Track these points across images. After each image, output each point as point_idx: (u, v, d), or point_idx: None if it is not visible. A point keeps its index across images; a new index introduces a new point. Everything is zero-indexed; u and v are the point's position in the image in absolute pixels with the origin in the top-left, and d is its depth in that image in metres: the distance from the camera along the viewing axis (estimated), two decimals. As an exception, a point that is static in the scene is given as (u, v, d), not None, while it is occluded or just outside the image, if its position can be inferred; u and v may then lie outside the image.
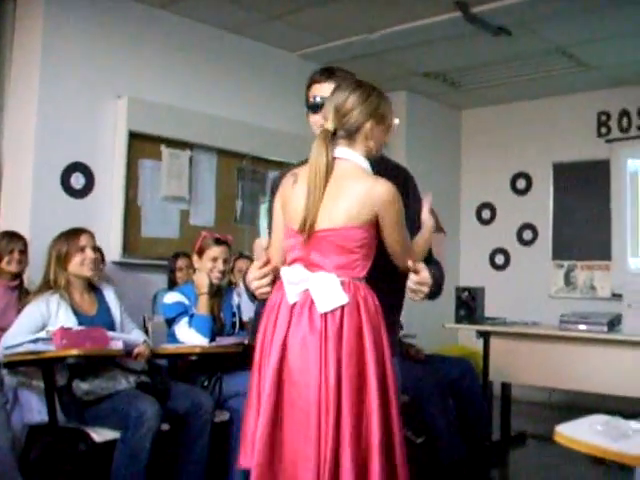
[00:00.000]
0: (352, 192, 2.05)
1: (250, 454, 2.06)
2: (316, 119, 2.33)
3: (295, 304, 2.06)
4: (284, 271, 2.12)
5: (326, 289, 2.03)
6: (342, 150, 2.11)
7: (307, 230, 2.05)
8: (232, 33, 5.59)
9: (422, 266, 2.13)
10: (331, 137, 2.10)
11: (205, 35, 5.45)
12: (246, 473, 2.15)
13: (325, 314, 2.01)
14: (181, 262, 4.80)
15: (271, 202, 2.46)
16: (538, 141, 7.11)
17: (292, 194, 2.14)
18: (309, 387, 1.98)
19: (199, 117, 5.28)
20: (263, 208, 5.67)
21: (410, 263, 2.10)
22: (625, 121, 6.61)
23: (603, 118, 6.75)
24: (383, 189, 2.05)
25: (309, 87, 2.43)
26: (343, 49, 5.84)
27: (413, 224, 2.25)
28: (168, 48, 5.23)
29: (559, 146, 6.95)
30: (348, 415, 1.96)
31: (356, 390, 1.98)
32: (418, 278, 2.13)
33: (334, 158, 2.09)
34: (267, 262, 2.21)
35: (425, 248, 2.26)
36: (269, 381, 2.03)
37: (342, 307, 2.01)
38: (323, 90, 2.33)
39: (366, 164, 2.13)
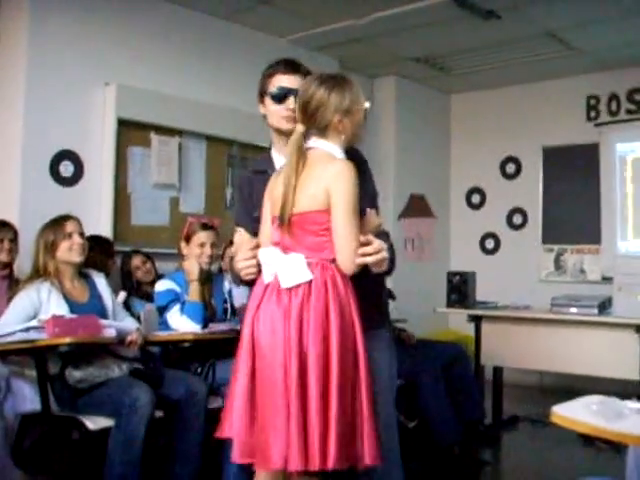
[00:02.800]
0: (314, 175, 2.17)
1: (227, 425, 2.18)
2: (278, 109, 2.44)
3: (268, 284, 2.18)
4: (261, 252, 2.24)
5: (291, 267, 2.13)
6: (314, 140, 2.23)
7: (282, 215, 2.17)
8: (221, 19, 5.55)
9: (371, 237, 2.16)
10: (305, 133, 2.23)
11: (194, 21, 5.40)
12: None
13: (290, 291, 2.12)
14: (136, 260, 4.57)
15: (241, 198, 2.61)
16: (527, 125, 7.11)
17: (275, 185, 2.26)
18: (275, 360, 2.09)
19: (188, 104, 5.25)
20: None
21: (362, 238, 2.14)
22: (614, 105, 6.62)
23: (592, 102, 6.76)
24: (335, 166, 2.17)
25: (270, 77, 2.48)
26: (332, 34, 5.81)
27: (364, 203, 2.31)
28: (157, 35, 5.18)
29: (548, 130, 6.96)
30: (314, 390, 2.05)
31: (322, 368, 2.07)
32: (372, 248, 2.14)
33: (308, 148, 2.22)
34: (257, 246, 2.31)
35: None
36: (244, 356, 2.17)
37: (309, 285, 2.11)
38: (288, 81, 2.42)
39: (335, 149, 2.22)
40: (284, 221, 2.17)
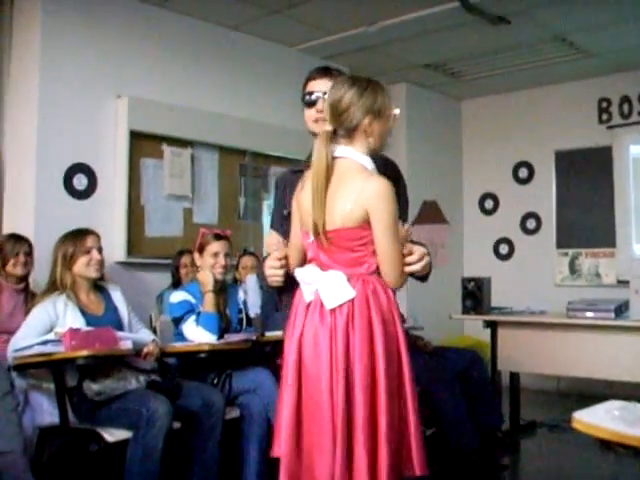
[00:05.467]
0: (347, 191, 2.08)
1: (278, 444, 2.16)
2: (310, 113, 2.47)
3: (310, 303, 2.15)
4: (297, 272, 2.21)
5: (332, 286, 2.09)
6: (342, 149, 2.14)
7: (319, 233, 2.11)
8: (231, 29, 5.58)
9: (411, 246, 2.18)
10: (332, 137, 2.14)
11: (204, 32, 5.43)
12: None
13: (334, 309, 2.08)
14: (185, 259, 4.81)
15: (276, 197, 2.66)
16: (539, 129, 7.10)
17: (302, 199, 2.20)
18: (321, 379, 2.06)
19: (199, 114, 5.27)
20: (266, 205, 5.69)
21: (405, 250, 2.15)
22: (626, 107, 6.59)
23: (604, 105, 6.73)
24: (374, 186, 2.08)
25: (305, 85, 2.53)
26: (342, 43, 5.82)
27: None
28: (167, 46, 5.21)
29: (560, 134, 6.93)
30: (361, 406, 2.01)
31: (368, 382, 2.03)
32: (417, 255, 2.17)
33: (334, 158, 2.13)
34: (285, 257, 2.32)
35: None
36: (290, 376, 2.14)
37: (352, 302, 2.07)
38: (318, 86, 2.45)
39: (366, 160, 2.15)
40: (318, 238, 2.12)
